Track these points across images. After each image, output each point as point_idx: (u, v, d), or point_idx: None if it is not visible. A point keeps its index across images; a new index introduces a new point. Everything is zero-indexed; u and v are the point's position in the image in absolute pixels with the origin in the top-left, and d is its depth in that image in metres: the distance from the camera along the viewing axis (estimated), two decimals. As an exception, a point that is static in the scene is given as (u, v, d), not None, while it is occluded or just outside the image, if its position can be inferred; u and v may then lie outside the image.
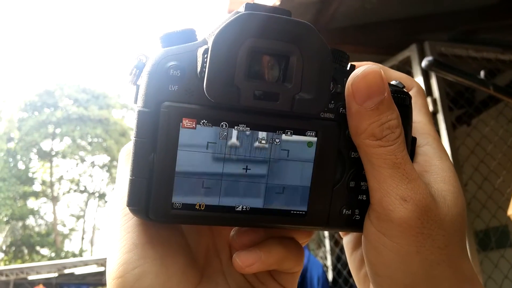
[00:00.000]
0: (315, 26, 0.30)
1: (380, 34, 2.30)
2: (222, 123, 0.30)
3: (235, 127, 0.30)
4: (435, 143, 0.36)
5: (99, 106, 19.06)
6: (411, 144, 0.35)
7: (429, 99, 1.93)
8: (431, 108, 1.92)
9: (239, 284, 0.36)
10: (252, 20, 0.29)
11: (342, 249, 2.54)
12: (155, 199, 0.29)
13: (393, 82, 0.36)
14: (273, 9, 0.30)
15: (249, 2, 0.30)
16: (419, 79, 1.98)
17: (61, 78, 19.59)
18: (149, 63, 0.30)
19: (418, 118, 0.37)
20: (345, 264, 2.49)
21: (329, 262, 2.71)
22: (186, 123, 0.29)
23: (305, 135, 0.32)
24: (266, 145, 0.31)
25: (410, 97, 0.35)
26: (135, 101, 0.31)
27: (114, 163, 19.52)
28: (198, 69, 0.30)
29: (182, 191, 0.30)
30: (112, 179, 19.84)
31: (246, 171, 0.31)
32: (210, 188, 0.30)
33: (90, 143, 19.37)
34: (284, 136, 0.31)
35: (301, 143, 0.32)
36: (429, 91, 1.95)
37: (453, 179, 0.33)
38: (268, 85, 0.30)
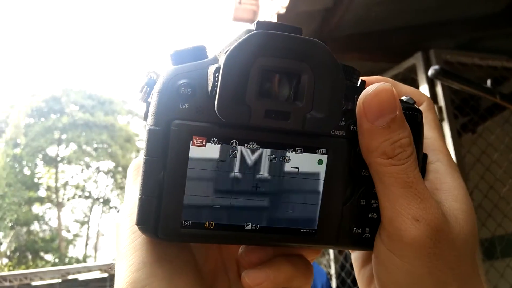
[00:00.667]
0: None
1: (385, 42, 2.30)
2: (232, 141, 0.30)
3: (245, 145, 0.30)
4: (446, 159, 0.35)
5: (105, 112, 19.12)
6: (422, 161, 0.35)
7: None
8: (436, 116, 1.91)
9: None
10: (264, 39, 0.28)
11: (346, 258, 2.53)
12: (164, 217, 0.29)
13: (403, 98, 0.35)
14: (284, 27, 0.30)
15: (260, 20, 0.30)
16: (424, 87, 1.98)
17: (67, 84, 19.69)
18: (159, 81, 0.30)
19: (429, 134, 0.37)
20: (349, 273, 2.47)
21: (333, 271, 2.69)
22: (196, 141, 0.29)
23: (316, 153, 0.31)
24: (276, 163, 0.31)
25: (421, 114, 0.35)
26: (145, 119, 0.31)
27: (119, 169, 19.54)
28: (209, 88, 0.29)
29: (191, 210, 0.30)
30: (117, 185, 19.87)
31: (256, 189, 0.31)
32: (220, 207, 0.30)
33: (95, 149, 19.40)
34: (294, 154, 0.31)
35: (312, 160, 0.31)
36: (434, 99, 1.95)
37: (464, 198, 0.33)
38: (279, 104, 0.29)
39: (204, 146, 0.30)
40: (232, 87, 0.28)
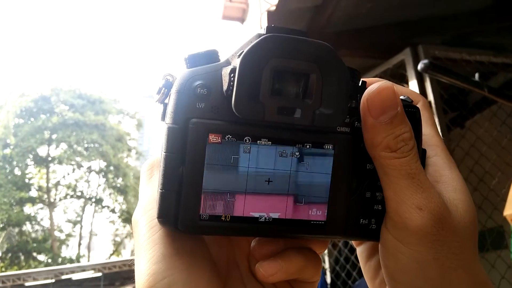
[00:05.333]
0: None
1: (374, 38, 2.33)
2: (246, 138, 0.32)
3: (258, 141, 0.32)
4: (443, 153, 0.37)
5: (95, 111, 18.95)
6: (421, 156, 0.36)
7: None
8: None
9: None
10: (276, 42, 0.31)
11: (340, 252, 2.56)
12: (183, 210, 0.31)
13: (401, 97, 0.37)
14: (292, 30, 0.32)
15: (269, 25, 0.32)
16: (414, 83, 2.01)
17: (57, 83, 19.47)
18: (176, 82, 0.32)
19: (426, 130, 0.39)
20: (343, 267, 2.50)
21: (327, 265, 2.72)
22: (212, 138, 0.31)
23: (323, 148, 0.34)
24: (287, 158, 0.33)
25: (419, 111, 0.37)
26: (163, 118, 0.33)
27: (111, 168, 19.44)
28: (225, 88, 0.32)
29: (208, 203, 0.32)
30: (109, 184, 19.76)
31: (268, 183, 0.33)
32: (235, 200, 0.32)
33: (86, 149, 19.24)
34: (303, 149, 0.33)
35: (320, 155, 0.34)
36: (423, 94, 1.98)
37: (463, 188, 0.35)
38: (291, 101, 0.32)
39: (220, 142, 0.32)
40: (247, 86, 0.31)
